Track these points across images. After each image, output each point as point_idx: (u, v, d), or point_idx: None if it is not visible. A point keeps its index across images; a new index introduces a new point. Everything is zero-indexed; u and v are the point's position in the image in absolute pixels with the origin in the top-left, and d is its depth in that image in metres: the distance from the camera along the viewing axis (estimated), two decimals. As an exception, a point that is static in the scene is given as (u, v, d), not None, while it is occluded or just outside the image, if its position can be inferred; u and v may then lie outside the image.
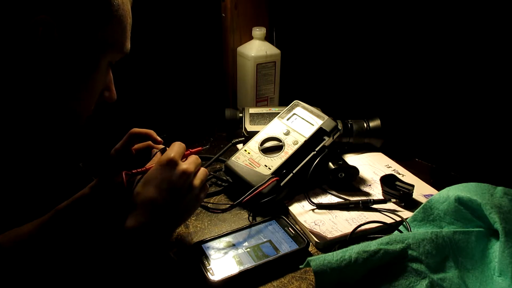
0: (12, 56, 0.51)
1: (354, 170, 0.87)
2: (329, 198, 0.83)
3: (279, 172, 0.82)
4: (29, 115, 0.56)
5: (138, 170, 0.63)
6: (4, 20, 0.50)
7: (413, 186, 0.81)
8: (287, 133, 0.88)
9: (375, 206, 0.79)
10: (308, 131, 0.86)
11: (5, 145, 0.58)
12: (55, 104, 0.56)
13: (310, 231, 0.73)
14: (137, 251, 0.59)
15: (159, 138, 0.71)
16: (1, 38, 0.50)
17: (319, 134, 0.86)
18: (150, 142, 0.71)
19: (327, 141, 0.86)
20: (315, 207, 0.80)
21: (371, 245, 0.61)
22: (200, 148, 0.73)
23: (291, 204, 0.81)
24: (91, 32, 0.55)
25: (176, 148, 0.64)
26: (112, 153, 0.68)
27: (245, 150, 0.87)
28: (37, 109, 0.55)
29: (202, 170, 0.66)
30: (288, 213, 0.80)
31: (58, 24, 0.51)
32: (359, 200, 0.80)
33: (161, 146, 0.70)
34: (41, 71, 0.53)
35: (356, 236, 0.72)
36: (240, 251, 0.68)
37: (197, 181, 0.64)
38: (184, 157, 0.66)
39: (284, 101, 1.11)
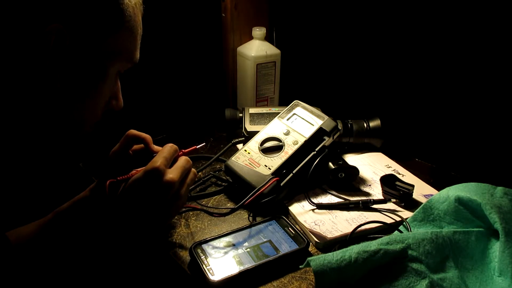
0: (23, 62, 0.52)
1: (354, 170, 0.87)
2: (329, 198, 0.83)
3: (279, 172, 0.82)
4: (36, 120, 0.56)
5: (123, 177, 0.62)
6: (18, 26, 0.50)
7: (413, 186, 0.81)
8: (287, 133, 0.88)
9: (375, 206, 0.79)
10: (308, 131, 0.86)
11: (10, 147, 0.58)
12: (62, 109, 0.57)
13: (310, 231, 0.73)
14: (119, 253, 0.59)
15: (154, 148, 0.70)
16: (14, 44, 0.51)
17: (319, 134, 0.86)
18: (147, 143, 0.71)
19: (327, 141, 0.86)
20: (315, 207, 0.80)
21: (371, 245, 0.61)
22: (194, 147, 0.72)
23: (291, 204, 0.81)
24: (102, 41, 0.55)
25: (164, 154, 0.62)
26: (110, 155, 0.68)
27: (245, 150, 0.87)
28: (45, 114, 0.56)
29: (191, 175, 0.65)
30: (288, 213, 0.80)
31: (71, 32, 0.52)
32: (359, 200, 0.80)
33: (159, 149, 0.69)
34: (50, 78, 0.53)
35: (356, 236, 0.72)
36: (240, 251, 0.68)
37: (183, 189, 0.63)
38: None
39: (284, 101, 1.11)
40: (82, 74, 0.56)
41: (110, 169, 0.67)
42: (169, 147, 0.65)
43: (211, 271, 0.64)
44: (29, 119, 0.56)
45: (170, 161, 0.63)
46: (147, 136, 0.70)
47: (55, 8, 0.51)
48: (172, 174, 0.61)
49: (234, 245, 0.69)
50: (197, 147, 0.74)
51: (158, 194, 0.60)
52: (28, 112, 0.55)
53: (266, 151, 0.86)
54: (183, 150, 0.68)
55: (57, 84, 0.54)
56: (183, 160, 0.64)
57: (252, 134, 0.91)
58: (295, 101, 0.93)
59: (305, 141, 0.85)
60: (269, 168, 0.82)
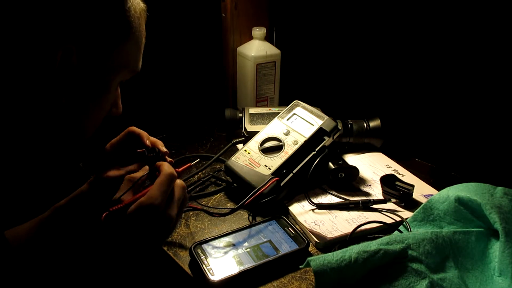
0: (29, 78, 0.51)
1: (354, 170, 0.87)
2: (329, 198, 0.83)
3: (279, 172, 0.82)
4: (40, 129, 0.56)
5: (117, 207, 0.57)
6: (28, 45, 0.50)
7: (413, 186, 0.81)
8: (287, 133, 0.88)
9: (375, 206, 0.79)
10: (308, 131, 0.86)
11: (12, 152, 0.58)
12: (66, 121, 0.57)
13: (310, 231, 0.73)
14: (117, 254, 0.58)
15: (147, 143, 0.67)
16: (22, 61, 0.50)
17: (319, 134, 0.86)
18: (141, 138, 0.69)
19: (327, 141, 0.86)
20: (315, 207, 0.80)
21: (371, 245, 0.61)
22: (189, 164, 0.69)
23: (291, 204, 0.81)
24: (108, 55, 0.55)
25: (164, 188, 0.57)
26: (107, 147, 0.68)
27: (245, 150, 0.87)
28: (49, 125, 0.56)
29: (185, 201, 0.62)
30: (288, 213, 0.80)
31: (78, 49, 0.51)
32: (359, 200, 0.80)
33: (142, 172, 0.64)
34: (56, 93, 0.53)
35: (356, 236, 0.72)
36: (240, 251, 0.68)
37: (179, 217, 0.61)
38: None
39: (284, 101, 1.11)
40: (87, 88, 0.55)
41: (106, 162, 0.67)
42: (168, 176, 0.59)
43: (211, 271, 0.64)
44: (32, 129, 0.56)
45: (169, 192, 0.59)
46: (142, 132, 0.68)
47: (65, 28, 0.50)
48: (172, 210, 0.58)
49: (234, 245, 0.69)
50: (191, 164, 0.70)
51: (156, 230, 0.58)
52: (32, 123, 0.55)
53: (266, 151, 0.86)
54: (177, 170, 0.64)
55: (62, 100, 0.53)
56: (180, 190, 0.61)
57: (252, 134, 0.91)
58: (295, 101, 0.93)
59: (305, 141, 0.85)
60: (269, 168, 0.82)
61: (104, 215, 0.56)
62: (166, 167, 0.60)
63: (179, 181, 0.61)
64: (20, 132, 0.56)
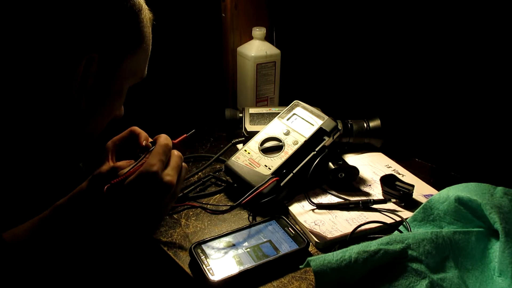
0: (52, 83, 0.54)
1: (354, 170, 0.87)
2: (329, 198, 0.83)
3: (279, 172, 0.82)
4: (50, 130, 0.59)
5: (117, 180, 0.59)
6: (54, 52, 0.53)
7: (413, 186, 0.81)
8: (287, 133, 0.88)
9: (375, 206, 0.79)
10: (308, 131, 0.86)
11: (17, 152, 0.60)
12: (78, 125, 0.59)
13: (310, 231, 0.73)
14: (116, 251, 0.60)
15: (143, 143, 0.67)
16: (46, 67, 0.53)
17: (319, 134, 0.86)
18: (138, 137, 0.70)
19: (327, 141, 0.86)
20: (315, 207, 0.80)
21: (371, 245, 0.61)
22: (184, 135, 0.70)
23: (291, 204, 0.81)
24: (121, 62, 0.58)
25: (160, 156, 0.60)
26: (108, 144, 0.68)
27: (245, 150, 0.87)
28: (61, 126, 0.58)
29: (184, 171, 0.64)
30: (288, 213, 0.80)
31: (100, 58, 0.55)
32: (359, 200, 0.80)
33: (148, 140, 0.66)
34: (76, 98, 0.56)
35: (356, 236, 0.72)
36: (240, 251, 0.68)
37: (178, 188, 0.62)
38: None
39: (284, 101, 1.11)
40: (101, 94, 0.58)
41: (104, 160, 0.67)
42: (164, 145, 0.62)
43: (211, 271, 0.64)
44: (45, 132, 0.58)
45: (166, 160, 0.61)
46: (142, 133, 0.69)
47: (89, 37, 0.53)
48: (170, 176, 0.59)
49: (234, 245, 0.69)
50: (187, 135, 0.71)
51: (156, 197, 0.59)
52: (47, 126, 0.58)
53: (266, 151, 0.86)
54: (174, 141, 0.66)
55: (82, 105, 0.56)
56: (177, 158, 0.62)
57: (252, 134, 0.91)
58: (295, 101, 0.93)
59: (305, 141, 0.85)
60: (269, 168, 0.82)
61: (106, 187, 0.58)
62: (162, 138, 0.63)
63: (176, 151, 0.63)
64: (31, 134, 0.58)
